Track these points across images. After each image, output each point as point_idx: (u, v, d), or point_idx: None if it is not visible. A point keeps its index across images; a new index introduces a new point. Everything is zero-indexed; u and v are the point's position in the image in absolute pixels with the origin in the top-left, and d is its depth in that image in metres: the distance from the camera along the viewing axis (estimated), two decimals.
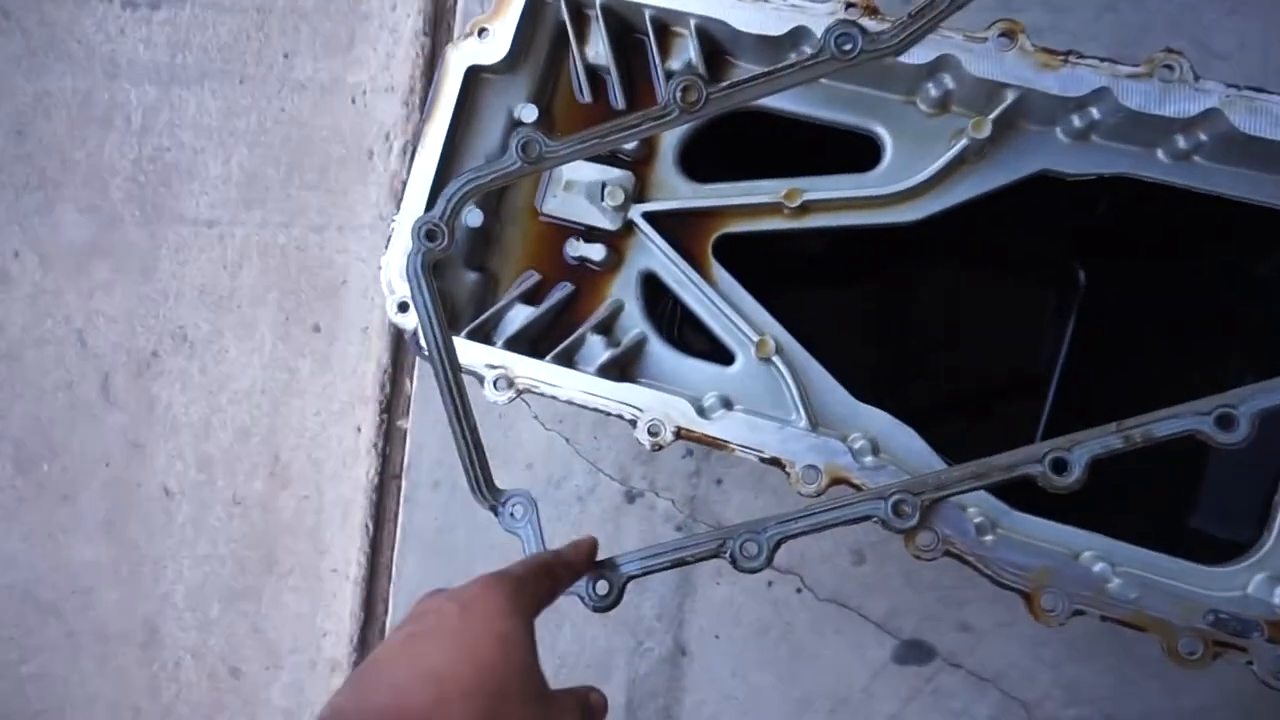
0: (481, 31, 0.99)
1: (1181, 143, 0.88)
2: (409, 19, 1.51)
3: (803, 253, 1.31)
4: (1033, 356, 1.30)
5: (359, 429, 1.55)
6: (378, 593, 1.54)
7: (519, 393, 0.97)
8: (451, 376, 0.86)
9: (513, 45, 0.99)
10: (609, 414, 0.94)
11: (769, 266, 1.31)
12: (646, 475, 1.43)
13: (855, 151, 1.00)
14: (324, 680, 1.53)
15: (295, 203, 1.58)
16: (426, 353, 0.87)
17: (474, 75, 1.00)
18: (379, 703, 0.57)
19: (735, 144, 1.07)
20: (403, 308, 1.00)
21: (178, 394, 1.60)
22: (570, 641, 1.43)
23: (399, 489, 1.53)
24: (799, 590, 1.37)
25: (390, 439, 1.53)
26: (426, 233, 0.87)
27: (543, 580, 0.71)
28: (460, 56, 1.00)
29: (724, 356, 1.00)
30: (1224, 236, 1.04)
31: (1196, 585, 0.87)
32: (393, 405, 1.53)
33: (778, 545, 0.81)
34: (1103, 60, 0.85)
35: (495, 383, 0.97)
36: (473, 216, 1.02)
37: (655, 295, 1.05)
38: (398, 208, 1.01)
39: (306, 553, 1.57)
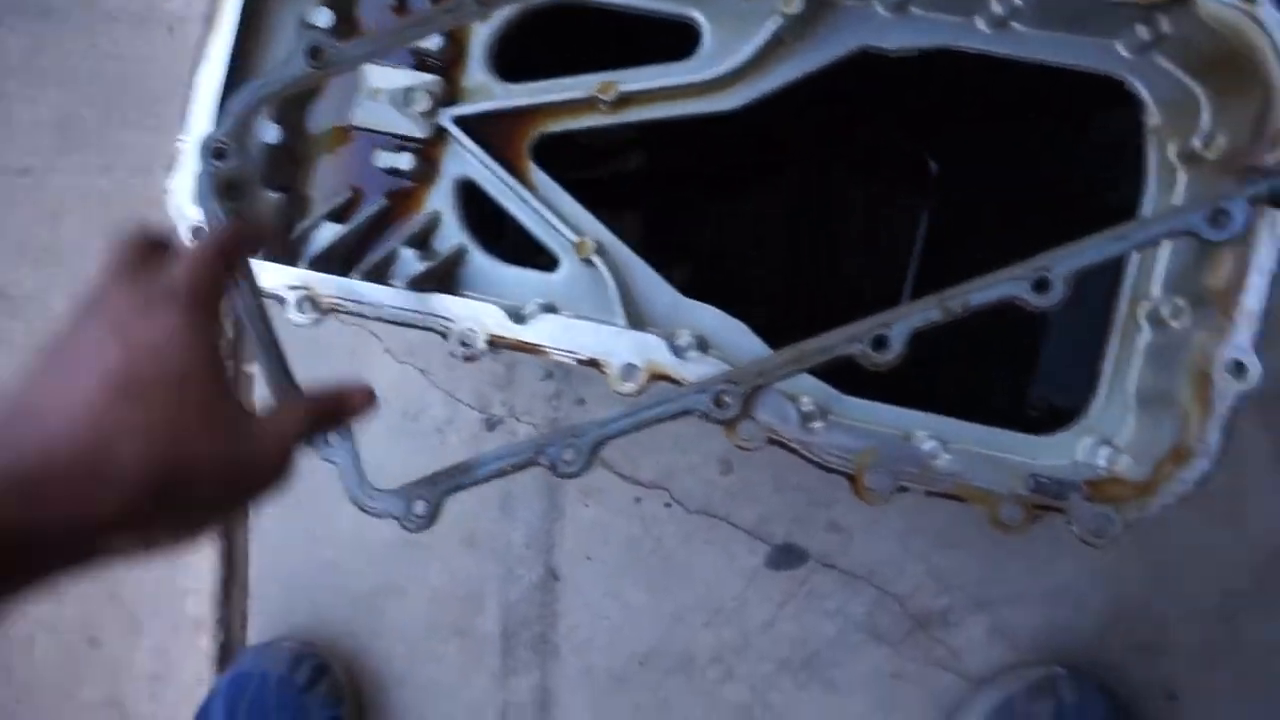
0: None
1: (998, 8, 0.85)
2: None
3: (641, 163, 1.26)
4: (889, 250, 1.29)
5: None
6: (237, 545, 1.47)
7: (324, 312, 0.91)
8: (252, 299, 0.80)
9: None
10: (419, 327, 0.89)
11: (613, 178, 1.27)
12: (506, 401, 1.38)
13: (679, 40, 0.95)
14: (189, 640, 1.46)
15: (115, 144, 1.46)
16: None
17: None
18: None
19: (555, 42, 1.01)
20: (197, 234, 0.93)
21: (2, 358, 1.49)
22: (439, 575, 1.39)
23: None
24: (668, 505, 1.35)
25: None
26: (215, 151, 0.81)
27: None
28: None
29: (548, 264, 0.96)
30: (1057, 105, 1.02)
31: (1028, 456, 0.87)
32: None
33: (597, 448, 0.78)
34: None
35: (299, 304, 0.90)
36: (269, 132, 0.95)
37: (479, 204, 0.99)
38: (183, 127, 0.93)
39: None
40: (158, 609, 1.50)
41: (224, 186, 0.81)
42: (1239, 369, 0.76)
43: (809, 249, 1.36)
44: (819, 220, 1.35)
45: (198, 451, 0.56)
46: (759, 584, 1.34)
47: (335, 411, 0.74)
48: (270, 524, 1.45)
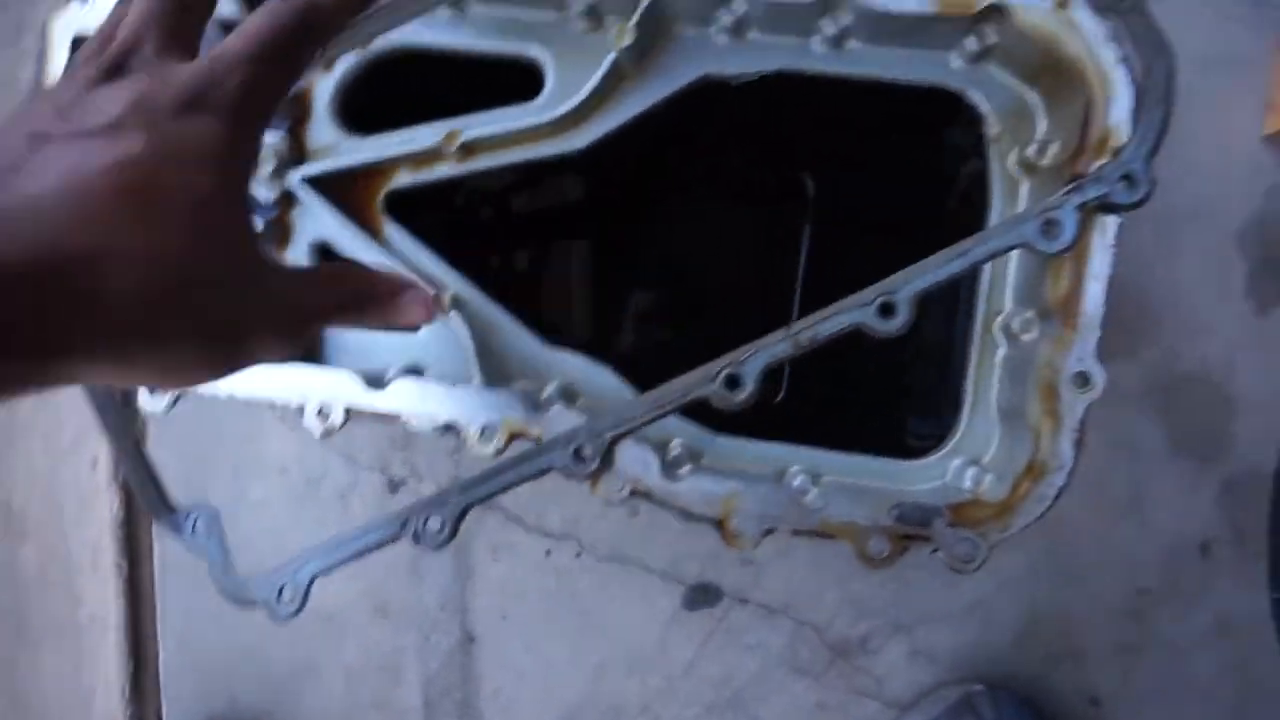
0: None
1: (829, 29, 0.85)
2: None
3: (525, 208, 1.25)
4: (775, 276, 1.28)
5: (95, 462, 1.41)
6: (144, 635, 1.41)
7: (176, 398, 0.87)
8: (103, 392, 0.77)
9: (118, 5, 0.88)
10: (277, 403, 0.86)
11: (490, 225, 1.26)
12: (407, 460, 1.35)
13: (526, 85, 0.94)
14: None
15: None
16: None
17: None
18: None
19: (403, 92, 0.99)
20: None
21: None
22: (354, 650, 1.34)
23: (150, 519, 1.40)
24: (578, 554, 1.32)
25: None
26: None
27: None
28: (63, 25, 0.89)
29: None
30: (913, 120, 1.02)
31: (902, 482, 0.86)
32: None
33: (462, 515, 0.74)
34: None
35: (151, 389, 0.87)
36: None
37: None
38: None
39: (60, 607, 1.43)
40: (64, 709, 1.43)
41: None
42: (1083, 380, 0.75)
43: (701, 272, 1.35)
44: (708, 243, 1.35)
45: (205, 298, 0.45)
46: (678, 626, 1.31)
47: (376, 308, 0.57)
48: (177, 610, 1.39)
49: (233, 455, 1.37)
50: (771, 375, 0.71)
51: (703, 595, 1.30)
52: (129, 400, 0.89)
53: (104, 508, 1.41)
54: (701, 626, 1.30)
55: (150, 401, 0.88)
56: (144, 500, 0.77)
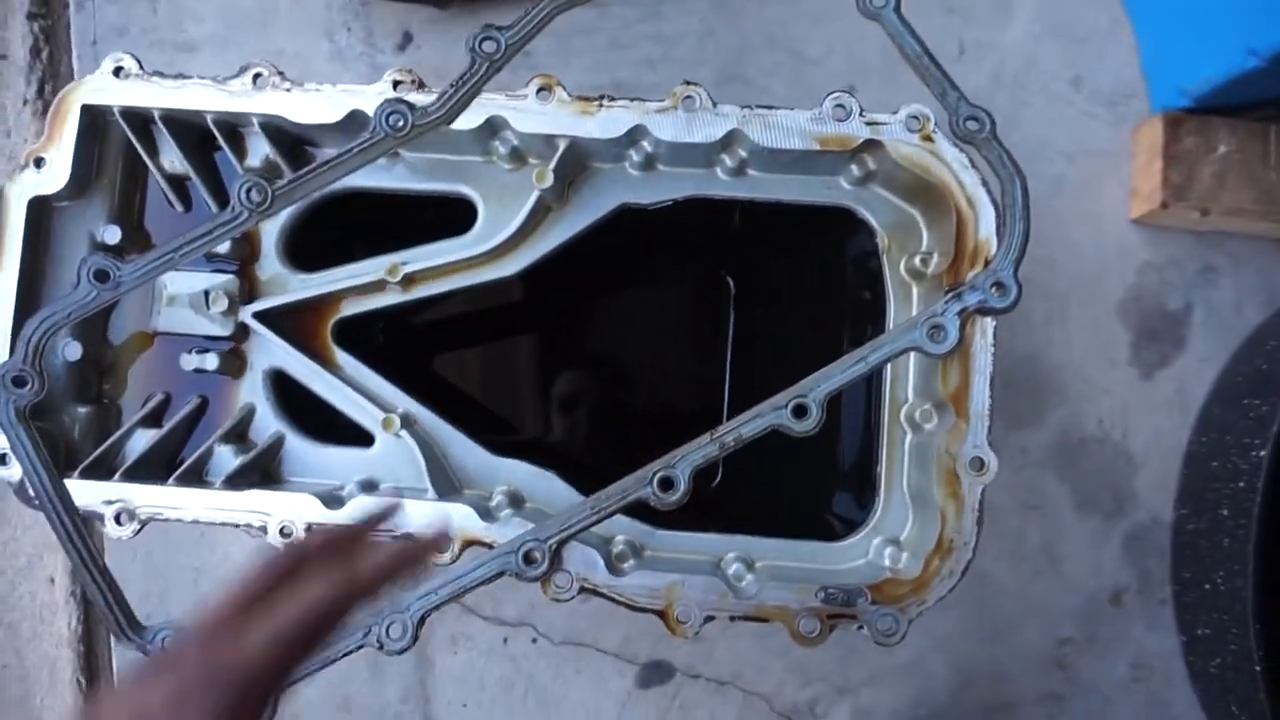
0: (38, 161, 0.95)
1: (729, 160, 0.94)
2: (27, 143, 1.43)
3: (463, 320, 1.32)
4: (704, 371, 1.36)
5: (52, 579, 1.43)
6: None
7: (143, 523, 0.92)
8: (69, 521, 0.81)
9: (75, 169, 0.95)
10: (237, 525, 0.91)
11: (435, 338, 1.33)
12: None
13: (460, 215, 1.02)
14: None
15: None
16: (38, 502, 0.81)
17: (41, 207, 0.95)
18: None
19: (347, 227, 1.07)
20: (3, 460, 0.94)
21: None
22: None
23: (109, 632, 1.42)
24: (534, 640, 1.37)
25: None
26: (14, 379, 0.82)
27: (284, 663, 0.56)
28: (19, 190, 0.95)
29: (367, 439, 1.00)
30: (815, 234, 1.12)
31: (827, 563, 0.93)
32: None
33: (422, 621, 0.80)
34: (632, 100, 0.90)
35: (117, 518, 0.92)
36: (70, 350, 0.97)
37: (293, 391, 1.03)
38: None
39: None
40: None
41: (27, 411, 0.82)
42: (979, 464, 0.84)
43: (637, 357, 1.43)
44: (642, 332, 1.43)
45: None
46: (633, 705, 1.36)
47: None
48: None
49: (192, 562, 1.41)
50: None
51: (655, 673, 1.36)
52: (88, 522, 0.94)
53: (62, 623, 1.43)
54: (656, 704, 1.36)
55: (116, 529, 0.93)
56: (110, 624, 0.80)
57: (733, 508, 1.11)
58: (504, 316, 1.34)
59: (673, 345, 1.39)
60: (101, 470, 0.96)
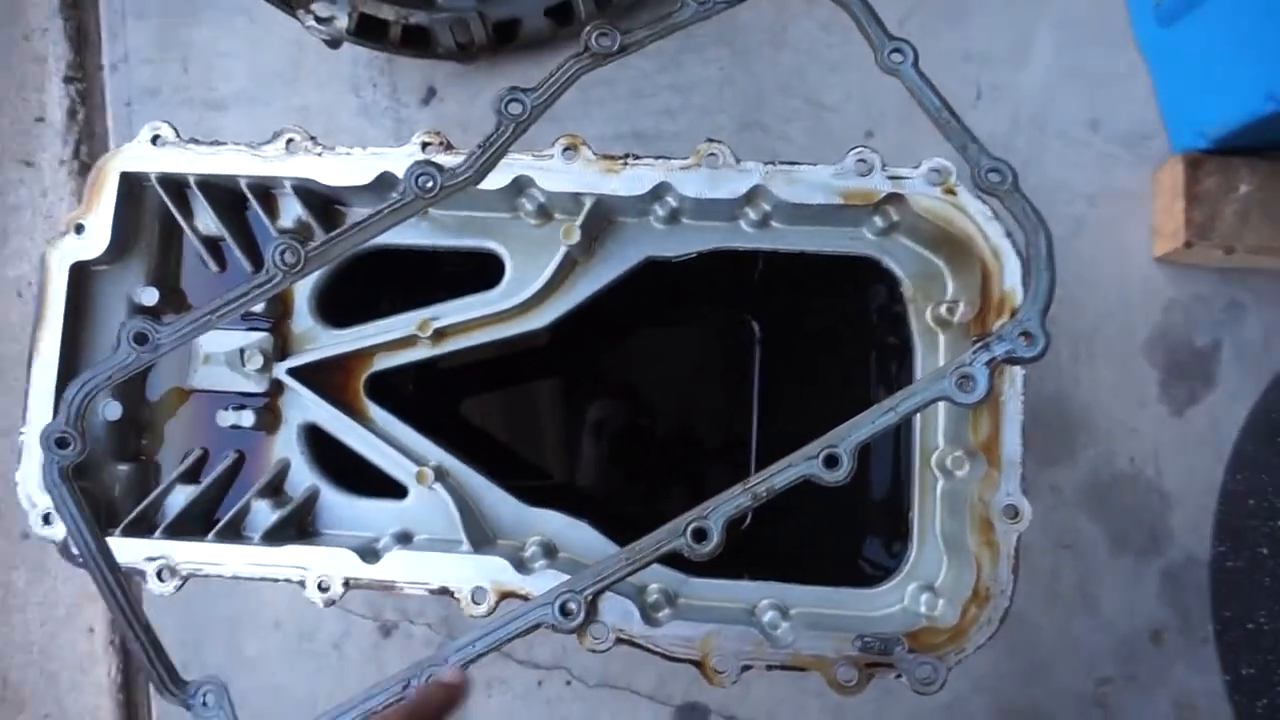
0: (79, 227, 0.98)
1: (753, 214, 0.96)
2: (63, 202, 1.47)
3: (493, 368, 1.34)
4: (735, 411, 1.37)
5: (91, 629, 1.45)
6: None
7: (184, 579, 0.94)
8: (112, 579, 0.83)
9: (114, 234, 0.97)
10: (276, 580, 0.93)
11: (465, 387, 1.34)
12: (398, 606, 1.40)
13: (488, 269, 1.03)
14: None
15: None
16: (81, 560, 0.83)
17: (81, 271, 0.98)
18: None
19: (378, 282, 1.09)
20: (47, 519, 0.96)
21: None
22: None
23: (148, 681, 1.44)
24: (569, 683, 1.37)
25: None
26: (57, 441, 0.84)
27: None
28: (60, 256, 0.98)
29: (400, 491, 1.01)
30: (841, 282, 1.13)
31: (862, 609, 0.93)
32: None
33: None
34: (657, 158, 0.92)
35: (159, 574, 0.94)
36: (110, 409, 1.00)
37: (327, 445, 1.04)
38: (23, 419, 0.97)
39: None
40: None
41: (70, 471, 0.84)
42: (1014, 512, 0.84)
43: (665, 401, 1.44)
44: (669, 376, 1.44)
45: None
46: None
47: None
48: None
49: (227, 612, 1.42)
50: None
51: (690, 715, 1.36)
52: (129, 577, 0.95)
53: (101, 673, 1.45)
54: None
55: (158, 586, 0.94)
56: (154, 679, 0.81)
57: (763, 552, 1.11)
58: (534, 365, 1.36)
59: (700, 390, 1.40)
60: (142, 527, 0.98)
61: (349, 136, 0.96)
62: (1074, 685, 1.30)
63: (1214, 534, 1.28)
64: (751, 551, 1.07)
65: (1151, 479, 1.31)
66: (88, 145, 1.47)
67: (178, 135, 0.97)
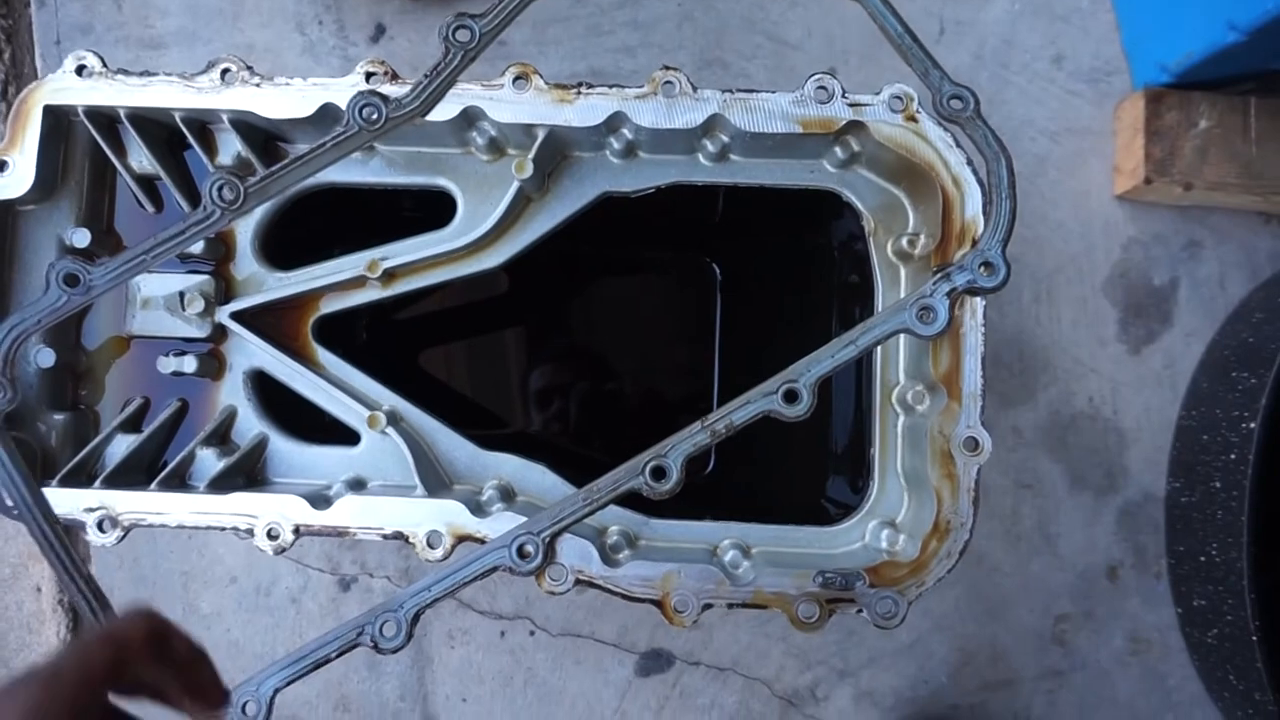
0: (1, 165, 0.93)
1: (711, 146, 0.93)
2: None
3: (447, 314, 1.31)
4: (696, 354, 1.35)
5: (39, 588, 1.41)
6: None
7: (126, 530, 0.91)
8: (50, 531, 0.79)
9: (39, 172, 0.92)
10: (223, 529, 0.90)
11: (418, 334, 1.31)
12: (356, 559, 1.38)
13: (440, 208, 1.00)
14: None
15: None
16: (16, 512, 0.80)
17: (6, 211, 0.93)
18: None
19: (324, 222, 1.05)
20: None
21: None
22: None
23: None
24: (532, 633, 1.36)
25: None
26: None
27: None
28: None
29: (352, 437, 0.98)
30: (800, 217, 1.11)
31: (824, 547, 0.92)
32: None
33: (416, 618, 0.79)
34: (611, 87, 0.89)
35: (100, 525, 0.90)
36: (43, 356, 0.95)
37: (275, 391, 1.01)
38: None
39: None
40: None
41: (2, 420, 0.80)
42: (974, 444, 0.84)
43: (622, 346, 1.42)
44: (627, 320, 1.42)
45: None
46: (634, 693, 1.36)
47: None
48: None
49: (181, 567, 1.39)
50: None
51: (655, 661, 1.36)
52: (70, 531, 0.92)
53: (50, 633, 1.41)
54: (656, 692, 1.35)
55: (99, 537, 0.91)
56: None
57: (726, 495, 1.10)
58: (487, 309, 1.33)
59: (659, 333, 1.38)
60: (81, 477, 0.94)
61: (294, 76, 0.91)
62: (1033, 623, 1.32)
63: (1169, 470, 1.30)
64: (712, 495, 1.06)
65: (1109, 418, 1.32)
66: (15, 85, 1.40)
67: (104, 66, 0.92)
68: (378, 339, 1.16)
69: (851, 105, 0.87)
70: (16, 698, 0.53)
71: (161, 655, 0.62)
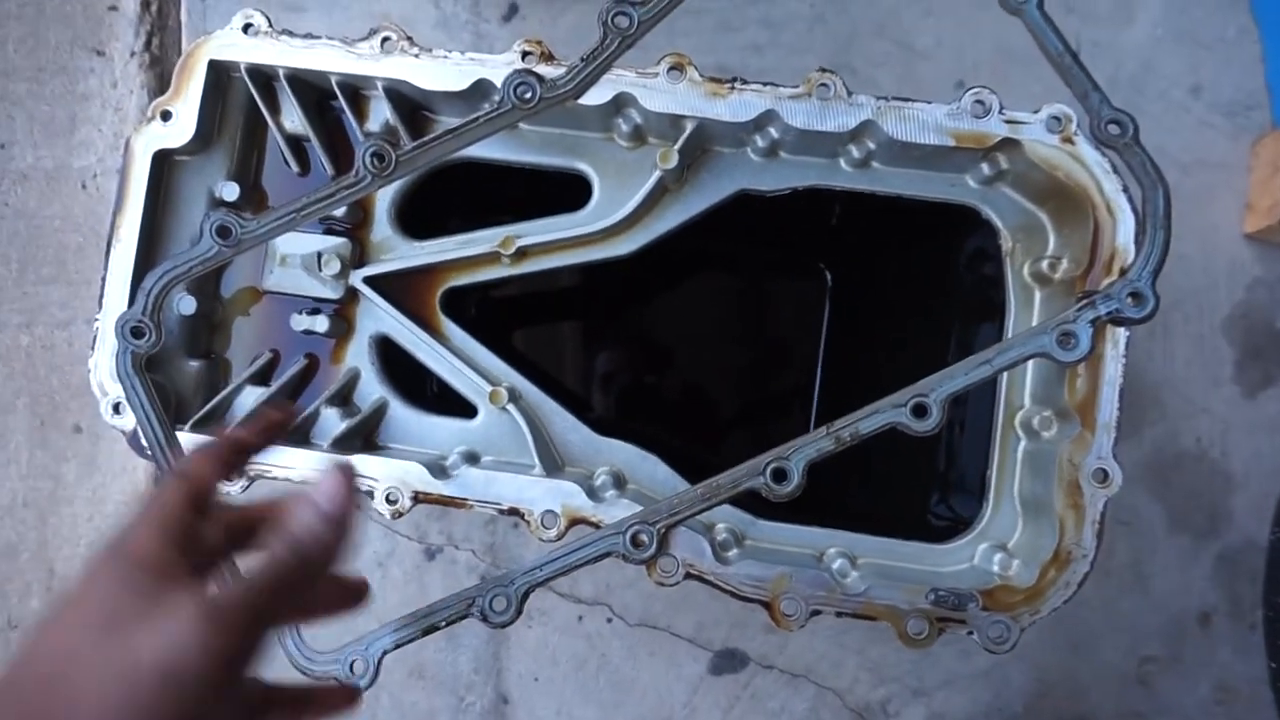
0: (165, 115, 0.96)
1: (855, 152, 0.92)
2: (133, 95, 1.45)
3: (565, 292, 1.32)
4: (798, 359, 1.35)
5: None
6: None
7: (252, 480, 0.93)
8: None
9: (199, 125, 0.95)
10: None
11: (525, 311, 1.33)
12: (444, 530, 1.40)
13: (572, 191, 1.01)
14: None
15: (34, 300, 1.48)
16: (150, 453, 0.83)
17: (164, 159, 0.96)
18: None
19: (457, 195, 1.07)
20: (117, 409, 0.95)
21: None
22: (389, 710, 1.39)
23: None
24: (610, 620, 1.37)
25: None
26: (132, 330, 0.83)
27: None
28: (145, 142, 0.96)
29: (469, 410, 1.00)
30: (928, 231, 1.10)
31: (931, 564, 0.92)
32: None
33: (526, 595, 0.80)
34: (765, 85, 0.89)
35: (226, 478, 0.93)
36: (185, 304, 0.98)
37: (397, 357, 1.03)
38: (99, 305, 0.96)
39: None
40: None
41: (143, 362, 0.83)
42: (1103, 476, 0.83)
43: (714, 359, 1.42)
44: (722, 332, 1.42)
45: None
46: (705, 691, 1.36)
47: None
48: None
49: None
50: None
51: (729, 661, 1.36)
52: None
53: None
54: (727, 691, 1.36)
55: (224, 484, 0.94)
56: None
57: (829, 501, 1.10)
58: (593, 295, 1.34)
59: (762, 336, 1.38)
60: (211, 425, 0.97)
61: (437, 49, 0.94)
62: (1117, 661, 1.30)
63: (1275, 518, 1.27)
64: (814, 500, 1.05)
65: (1217, 460, 1.29)
66: (159, 37, 1.44)
67: (270, 26, 0.94)
68: (486, 316, 1.17)
69: (1008, 122, 0.86)
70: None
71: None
